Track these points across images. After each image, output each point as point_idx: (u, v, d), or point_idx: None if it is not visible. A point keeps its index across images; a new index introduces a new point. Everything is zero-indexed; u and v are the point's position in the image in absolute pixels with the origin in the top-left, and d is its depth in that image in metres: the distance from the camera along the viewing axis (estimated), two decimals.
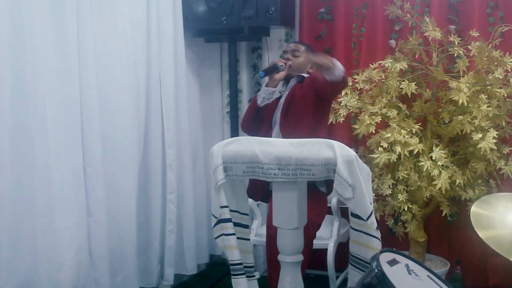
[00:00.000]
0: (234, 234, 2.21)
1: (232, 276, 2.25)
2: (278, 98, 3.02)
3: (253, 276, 2.38)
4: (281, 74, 2.90)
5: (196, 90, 3.92)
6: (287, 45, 3.10)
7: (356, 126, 3.15)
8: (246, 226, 2.41)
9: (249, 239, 2.45)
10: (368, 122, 3.09)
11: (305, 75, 3.01)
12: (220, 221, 2.20)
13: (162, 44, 3.42)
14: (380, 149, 3.05)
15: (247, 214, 2.42)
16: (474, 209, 2.17)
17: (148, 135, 3.35)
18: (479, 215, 2.13)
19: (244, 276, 2.26)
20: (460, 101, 2.93)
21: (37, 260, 2.64)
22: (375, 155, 3.07)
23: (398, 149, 3.02)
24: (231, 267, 2.23)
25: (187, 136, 3.64)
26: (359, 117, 3.20)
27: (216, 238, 2.27)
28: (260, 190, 2.86)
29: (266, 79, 3.10)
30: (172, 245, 3.53)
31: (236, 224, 2.27)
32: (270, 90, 2.92)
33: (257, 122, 2.99)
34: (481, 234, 2.01)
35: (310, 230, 2.68)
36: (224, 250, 2.33)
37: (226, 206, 2.18)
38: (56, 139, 2.71)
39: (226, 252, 2.32)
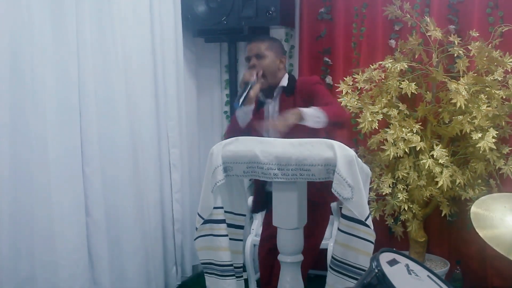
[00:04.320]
0: (226, 235, 2.20)
1: (218, 277, 2.23)
2: (260, 106, 2.63)
3: (241, 276, 2.37)
4: (256, 89, 2.48)
5: (196, 90, 3.92)
6: (247, 48, 2.62)
7: (359, 120, 3.15)
8: (240, 227, 2.40)
9: (241, 240, 2.44)
10: (370, 119, 3.09)
11: (284, 84, 2.60)
12: (210, 221, 2.18)
13: (163, 44, 3.42)
14: (388, 144, 3.06)
15: (243, 215, 2.40)
16: (474, 209, 2.17)
17: (148, 135, 3.34)
18: (479, 215, 2.13)
19: (234, 277, 2.25)
20: (459, 104, 2.93)
21: (36, 259, 2.63)
22: (385, 147, 3.07)
23: (401, 145, 3.02)
24: (220, 268, 2.21)
25: (188, 136, 3.64)
26: (360, 116, 3.19)
27: (199, 237, 2.23)
28: (259, 201, 2.72)
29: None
30: (179, 244, 3.53)
31: (228, 225, 2.25)
32: (248, 109, 2.51)
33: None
34: (482, 233, 2.01)
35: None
36: (203, 250, 2.25)
37: (221, 207, 2.17)
38: (55, 139, 2.70)
39: (206, 253, 2.25)
